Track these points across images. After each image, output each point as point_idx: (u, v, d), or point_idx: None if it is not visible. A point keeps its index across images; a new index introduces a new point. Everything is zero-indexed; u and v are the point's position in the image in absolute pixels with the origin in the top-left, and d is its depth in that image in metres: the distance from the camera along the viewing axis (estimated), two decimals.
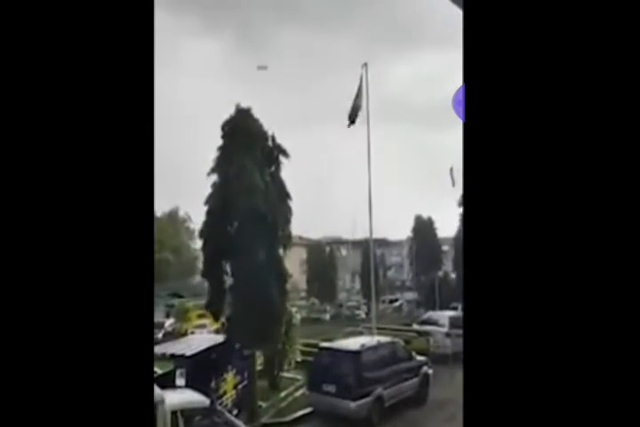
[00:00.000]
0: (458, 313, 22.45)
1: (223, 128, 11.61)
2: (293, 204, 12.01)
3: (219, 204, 11.10)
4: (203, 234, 11.70)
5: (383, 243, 41.46)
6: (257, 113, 11.76)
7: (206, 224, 11.52)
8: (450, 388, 13.20)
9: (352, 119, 15.59)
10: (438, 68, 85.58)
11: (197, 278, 29.54)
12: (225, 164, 11.31)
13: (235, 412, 9.76)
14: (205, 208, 11.48)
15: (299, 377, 13.76)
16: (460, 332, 18.50)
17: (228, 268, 11.26)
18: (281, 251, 11.57)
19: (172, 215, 42.10)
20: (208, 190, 11.48)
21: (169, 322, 25.45)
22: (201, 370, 9.62)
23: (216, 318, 12.06)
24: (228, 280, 11.29)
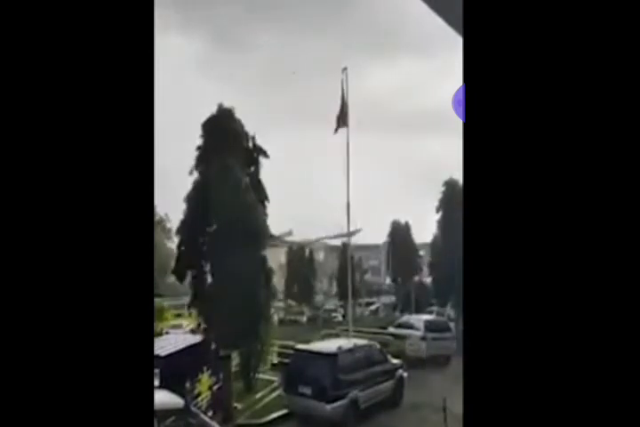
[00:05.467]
0: (433, 317, 22.65)
1: (203, 128, 11.56)
2: (272, 206, 12.01)
3: (197, 203, 11.02)
4: (180, 232, 11.61)
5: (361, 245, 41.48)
6: (237, 113, 11.75)
7: (184, 223, 11.44)
8: (424, 391, 13.31)
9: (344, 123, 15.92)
10: (417, 75, 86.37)
11: (173, 278, 29.25)
12: (204, 164, 11.26)
13: (210, 413, 9.64)
14: (184, 207, 11.40)
15: (274, 379, 13.70)
16: (436, 335, 18.68)
17: (207, 267, 11.20)
18: (262, 251, 11.53)
19: None
20: (185, 190, 11.41)
21: None
22: (175, 370, 9.47)
23: (199, 318, 12.00)
24: (207, 280, 11.23)
